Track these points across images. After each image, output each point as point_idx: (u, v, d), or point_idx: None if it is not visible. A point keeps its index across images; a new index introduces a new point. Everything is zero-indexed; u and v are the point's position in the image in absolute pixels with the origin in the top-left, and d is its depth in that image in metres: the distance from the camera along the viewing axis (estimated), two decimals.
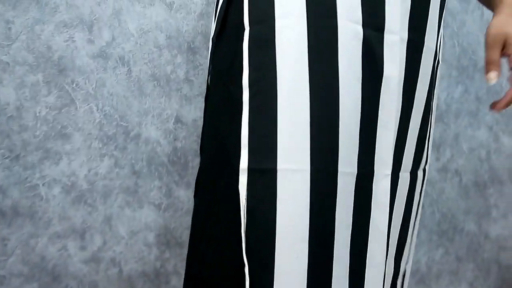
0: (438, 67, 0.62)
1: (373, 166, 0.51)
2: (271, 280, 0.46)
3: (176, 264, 0.90)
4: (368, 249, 0.51)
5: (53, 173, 0.83)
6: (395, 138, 0.53)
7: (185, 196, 0.89)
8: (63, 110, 0.83)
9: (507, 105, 0.62)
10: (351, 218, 0.50)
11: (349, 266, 0.50)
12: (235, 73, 0.51)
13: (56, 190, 0.84)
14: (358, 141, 0.49)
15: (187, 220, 0.89)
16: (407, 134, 0.55)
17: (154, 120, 0.87)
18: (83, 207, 0.85)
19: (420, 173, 0.60)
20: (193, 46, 0.88)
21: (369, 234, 0.51)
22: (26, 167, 0.83)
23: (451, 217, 1.03)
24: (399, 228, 0.58)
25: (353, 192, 0.50)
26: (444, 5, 0.60)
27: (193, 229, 0.59)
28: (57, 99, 0.83)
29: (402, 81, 0.52)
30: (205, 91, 0.63)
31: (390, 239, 0.55)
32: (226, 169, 0.51)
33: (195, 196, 0.62)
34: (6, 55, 0.81)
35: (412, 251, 0.66)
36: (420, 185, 0.62)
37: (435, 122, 1.02)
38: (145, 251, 0.88)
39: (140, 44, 0.85)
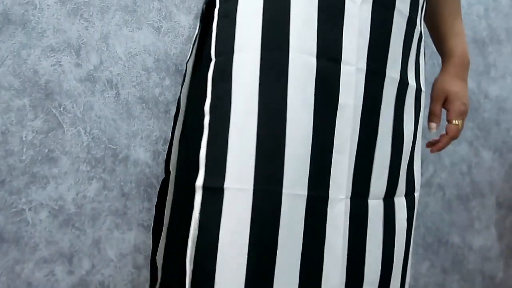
0: (422, 95, 0.65)
1: (328, 190, 0.53)
2: None
3: None
4: (323, 272, 0.53)
5: (39, 198, 0.83)
6: (354, 165, 0.55)
7: None
8: (50, 134, 0.83)
9: (441, 149, 0.71)
10: (301, 239, 0.51)
11: (300, 284, 0.52)
12: (204, 101, 0.54)
13: (43, 214, 0.83)
14: (308, 165, 0.52)
15: None
16: (372, 162, 0.57)
17: (142, 142, 0.88)
18: (71, 230, 0.84)
19: (399, 200, 0.62)
20: (181, 68, 0.89)
21: (324, 257, 0.53)
22: (12, 192, 0.82)
23: (435, 230, 1.06)
24: (381, 257, 0.59)
25: (304, 214, 0.51)
26: (412, 37, 0.62)
27: (167, 240, 0.61)
28: (44, 123, 0.83)
29: (360, 109, 0.55)
30: (175, 110, 0.66)
31: (366, 268, 0.56)
32: (193, 190, 0.54)
33: (156, 206, 0.64)
34: None
35: (407, 281, 0.67)
36: (405, 213, 0.63)
37: None
38: (135, 273, 0.88)
39: (128, 67, 0.86)
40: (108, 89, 0.85)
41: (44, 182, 0.83)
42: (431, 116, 0.71)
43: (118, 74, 0.86)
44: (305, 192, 0.51)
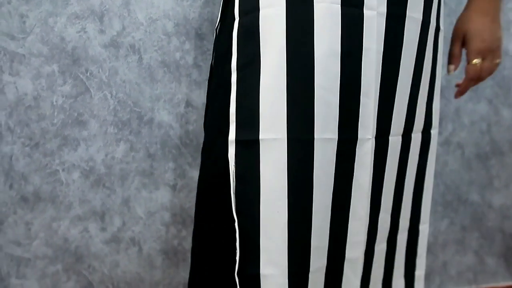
0: (439, 35, 0.66)
1: (357, 132, 0.56)
2: (258, 232, 0.54)
3: None
4: (351, 204, 0.56)
5: (72, 159, 0.87)
6: (377, 105, 0.57)
7: None
8: (78, 98, 0.87)
9: (461, 93, 0.69)
10: (332, 180, 0.55)
11: (331, 218, 0.56)
12: (229, 58, 0.56)
13: (76, 175, 0.88)
14: (337, 110, 0.54)
15: None
16: (394, 102, 0.60)
17: (165, 104, 0.91)
18: (102, 190, 0.89)
19: (416, 136, 0.65)
20: (200, 32, 0.91)
21: (352, 192, 0.56)
22: (46, 154, 0.86)
23: (455, 189, 1.06)
24: (394, 188, 0.62)
25: (335, 156, 0.55)
26: None
27: (198, 196, 0.65)
28: (73, 88, 0.87)
29: (381, 53, 0.57)
30: (209, 75, 0.68)
31: (383, 197, 0.59)
32: (220, 142, 0.57)
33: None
34: (21, 47, 0.84)
35: (425, 212, 0.70)
36: (419, 147, 0.66)
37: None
38: (163, 230, 0.92)
39: (149, 32, 0.89)
40: (131, 54, 0.88)
41: (75, 144, 0.87)
42: (450, 58, 0.69)
43: (140, 39, 0.88)
44: (336, 136, 0.54)
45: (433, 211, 1.06)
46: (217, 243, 0.58)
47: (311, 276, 0.55)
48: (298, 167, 0.53)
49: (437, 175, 1.06)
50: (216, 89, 0.62)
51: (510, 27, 1.07)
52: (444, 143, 1.05)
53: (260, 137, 0.53)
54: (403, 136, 0.62)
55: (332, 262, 0.57)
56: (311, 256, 0.55)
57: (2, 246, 0.86)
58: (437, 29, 0.65)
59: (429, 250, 1.07)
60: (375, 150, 0.57)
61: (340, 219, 0.56)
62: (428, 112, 0.66)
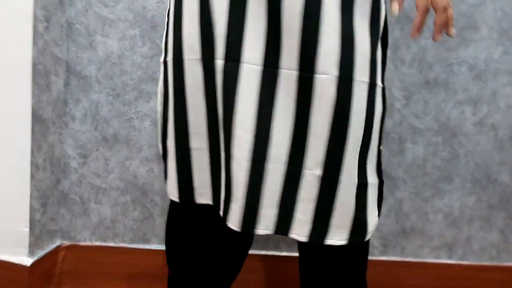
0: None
1: (213, 55, 0.66)
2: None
3: None
4: (232, 116, 0.64)
5: (144, 109, 1.04)
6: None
7: None
8: (153, 59, 1.03)
9: (418, 27, 0.64)
10: (203, 87, 0.68)
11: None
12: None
13: (147, 123, 1.05)
14: (198, 40, 0.66)
15: None
16: (280, 31, 0.64)
17: None
18: None
19: (322, 77, 0.62)
20: None
21: (235, 108, 0.63)
22: (125, 103, 1.04)
23: (485, 168, 1.12)
24: (293, 123, 0.64)
25: (202, 71, 0.67)
26: None
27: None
28: (149, 50, 1.03)
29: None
30: None
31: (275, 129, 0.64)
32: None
33: None
34: (112, 13, 1.02)
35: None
36: (334, 90, 0.62)
37: (474, 79, 1.11)
38: None
39: None
40: None
41: (148, 97, 1.04)
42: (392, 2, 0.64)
43: None
44: (198, 57, 0.66)
45: (461, 187, 1.13)
46: None
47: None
48: (174, 77, 0.69)
49: (467, 153, 1.12)
50: None
51: None
52: (478, 124, 1.11)
53: (167, 59, 0.70)
54: (300, 71, 0.62)
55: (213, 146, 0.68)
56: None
57: (85, 176, 1.05)
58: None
59: (454, 223, 1.14)
60: (260, 78, 0.62)
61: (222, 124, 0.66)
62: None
